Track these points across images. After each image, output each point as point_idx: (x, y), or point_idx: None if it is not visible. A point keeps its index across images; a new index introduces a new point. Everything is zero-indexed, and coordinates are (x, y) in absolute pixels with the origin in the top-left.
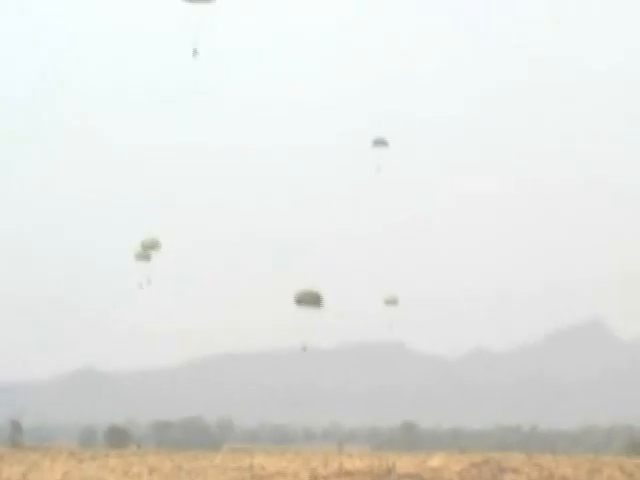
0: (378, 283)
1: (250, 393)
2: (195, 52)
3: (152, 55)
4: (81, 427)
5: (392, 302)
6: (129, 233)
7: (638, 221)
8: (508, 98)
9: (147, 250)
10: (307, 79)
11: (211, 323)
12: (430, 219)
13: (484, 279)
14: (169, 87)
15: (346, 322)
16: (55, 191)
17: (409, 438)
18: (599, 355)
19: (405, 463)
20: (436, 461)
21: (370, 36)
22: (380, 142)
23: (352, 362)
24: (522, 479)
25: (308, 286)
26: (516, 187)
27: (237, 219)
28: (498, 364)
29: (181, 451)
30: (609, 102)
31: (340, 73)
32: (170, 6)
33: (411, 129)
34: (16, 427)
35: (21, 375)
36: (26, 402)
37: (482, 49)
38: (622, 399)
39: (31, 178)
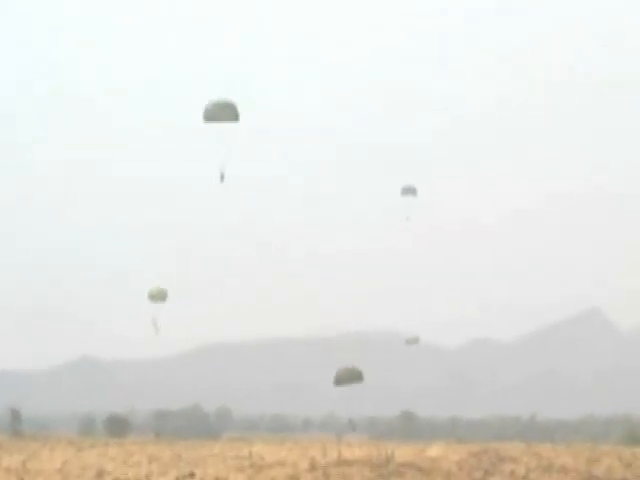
0: (378, 275)
1: (249, 382)
2: (222, 177)
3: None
4: (80, 416)
5: (413, 342)
6: (130, 230)
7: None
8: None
9: (155, 299)
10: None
11: (210, 312)
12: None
13: (484, 269)
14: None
15: (345, 312)
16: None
17: (408, 427)
18: (598, 345)
19: (404, 452)
20: (435, 450)
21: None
22: (409, 190)
23: (351, 351)
24: (521, 468)
25: (348, 364)
26: (530, 187)
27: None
28: (497, 354)
29: (180, 440)
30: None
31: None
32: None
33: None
34: (16, 416)
35: (20, 364)
36: (25, 391)
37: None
38: (620, 389)
39: (32, 179)
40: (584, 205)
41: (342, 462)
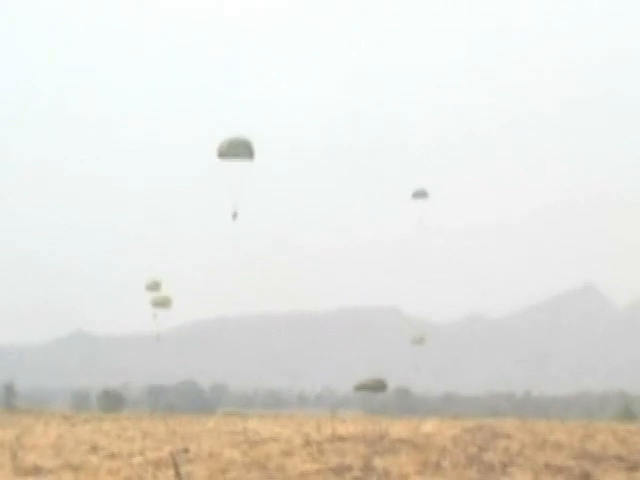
0: (374, 257)
1: (244, 358)
2: (235, 215)
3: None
4: (74, 391)
5: (419, 341)
6: (129, 226)
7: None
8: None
9: (152, 291)
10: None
11: (205, 287)
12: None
13: (479, 244)
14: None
15: (342, 287)
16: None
17: (402, 403)
18: (593, 321)
19: (398, 428)
20: (429, 427)
21: None
22: (420, 194)
23: (347, 327)
24: (515, 445)
25: (372, 374)
26: (529, 186)
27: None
28: (492, 330)
29: (175, 415)
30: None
31: None
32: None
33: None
34: (10, 390)
35: (15, 338)
36: (20, 365)
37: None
38: (616, 365)
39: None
40: (582, 200)
41: (336, 438)
